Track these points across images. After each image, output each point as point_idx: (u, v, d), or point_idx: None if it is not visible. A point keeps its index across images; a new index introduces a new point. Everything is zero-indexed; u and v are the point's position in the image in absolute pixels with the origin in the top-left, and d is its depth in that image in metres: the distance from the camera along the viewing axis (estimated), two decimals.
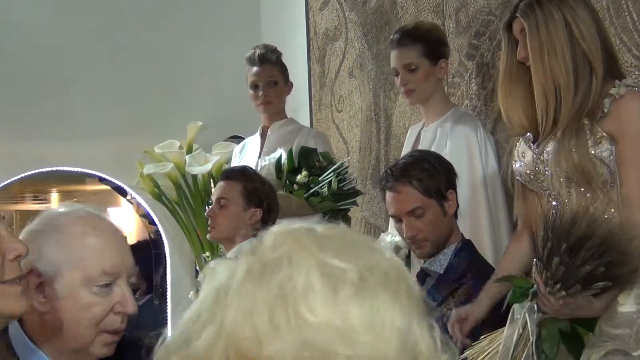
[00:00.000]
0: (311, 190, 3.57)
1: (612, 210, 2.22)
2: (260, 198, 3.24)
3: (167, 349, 0.90)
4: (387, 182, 2.70)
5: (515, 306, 2.18)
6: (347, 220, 3.67)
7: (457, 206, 2.72)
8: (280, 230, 0.93)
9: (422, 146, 3.22)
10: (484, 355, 2.20)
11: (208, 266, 0.93)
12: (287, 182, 3.62)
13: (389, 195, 2.70)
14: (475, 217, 3.03)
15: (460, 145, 3.01)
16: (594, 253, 2.00)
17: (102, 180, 4.94)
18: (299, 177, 3.58)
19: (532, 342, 2.08)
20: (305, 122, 4.56)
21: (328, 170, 3.60)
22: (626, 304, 2.11)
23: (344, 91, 4.56)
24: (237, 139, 4.65)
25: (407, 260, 3.18)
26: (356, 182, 3.76)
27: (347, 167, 3.70)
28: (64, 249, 1.52)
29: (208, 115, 4.72)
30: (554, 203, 2.29)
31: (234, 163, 4.06)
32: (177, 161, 4.42)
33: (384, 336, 0.86)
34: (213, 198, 3.29)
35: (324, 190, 3.53)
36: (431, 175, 2.63)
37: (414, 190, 2.62)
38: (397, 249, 3.17)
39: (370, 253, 0.91)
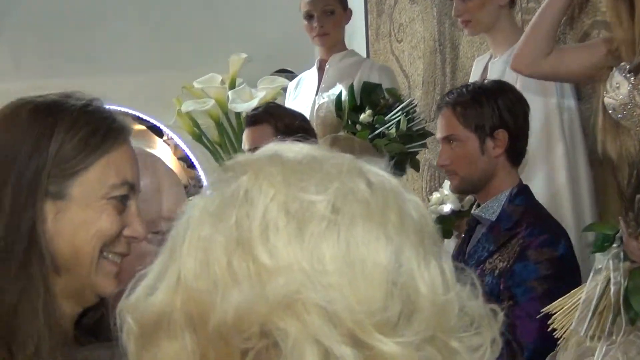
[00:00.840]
0: (376, 131, 3.58)
1: None
2: (285, 130, 3.13)
3: (123, 307, 0.87)
4: (440, 103, 2.83)
5: (598, 256, 2.20)
6: (415, 164, 3.71)
7: (518, 150, 2.71)
8: (242, 159, 0.88)
9: None
10: (563, 310, 2.22)
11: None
12: (349, 122, 3.59)
13: (438, 116, 2.80)
14: (550, 162, 3.00)
15: (532, 80, 2.94)
16: None
17: (136, 119, 4.78)
18: (362, 116, 3.58)
19: (615, 293, 2.07)
20: (361, 54, 4.46)
21: (395, 108, 3.59)
22: None
23: (405, 19, 4.52)
24: (285, 73, 4.70)
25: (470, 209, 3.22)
26: (426, 122, 3.79)
27: (416, 105, 3.73)
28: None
29: (253, 46, 4.72)
30: None
31: (288, 101, 4.04)
32: (219, 97, 4.49)
33: (364, 276, 0.80)
34: (245, 149, 3.23)
35: (391, 131, 3.53)
36: (480, 108, 2.66)
37: (453, 117, 2.69)
38: (461, 197, 3.20)
39: (348, 177, 0.84)
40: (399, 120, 3.58)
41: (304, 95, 4.00)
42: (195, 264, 0.82)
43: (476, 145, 2.68)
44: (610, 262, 2.13)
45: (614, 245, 2.17)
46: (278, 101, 4.11)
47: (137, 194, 1.35)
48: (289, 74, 4.53)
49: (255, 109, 3.45)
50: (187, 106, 4.56)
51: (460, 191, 2.90)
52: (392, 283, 0.81)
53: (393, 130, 3.56)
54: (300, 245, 0.80)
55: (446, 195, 3.25)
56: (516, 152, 2.72)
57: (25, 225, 1.25)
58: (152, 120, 4.97)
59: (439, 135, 2.77)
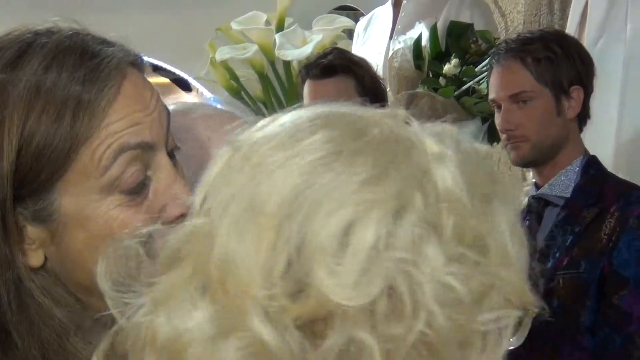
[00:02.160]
0: (464, 86, 3.57)
1: None
2: (373, 86, 3.14)
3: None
4: (498, 55, 2.79)
5: None
6: None
7: (587, 112, 2.76)
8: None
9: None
10: None
11: None
12: (430, 75, 3.59)
13: (495, 72, 2.78)
14: None
15: None
16: None
17: (157, 69, 4.76)
18: (447, 66, 3.55)
19: None
20: None
21: (488, 56, 3.39)
22: None
23: None
24: (347, 10, 4.65)
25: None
26: None
27: None
28: (181, 160, 1.36)
29: None
30: None
31: (356, 45, 3.94)
32: (264, 42, 4.42)
33: None
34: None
35: (482, 86, 3.46)
36: (555, 59, 2.70)
37: (524, 70, 2.72)
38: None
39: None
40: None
41: (375, 39, 3.88)
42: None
43: (552, 104, 2.70)
44: None
45: None
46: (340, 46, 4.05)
47: (166, 148, 1.19)
48: (352, 12, 4.46)
49: (324, 55, 3.29)
50: (223, 53, 4.42)
51: (526, 162, 2.80)
52: None
53: (484, 85, 3.42)
54: None
55: None
56: (585, 115, 2.75)
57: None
58: (177, 71, 4.87)
59: (500, 93, 2.73)
